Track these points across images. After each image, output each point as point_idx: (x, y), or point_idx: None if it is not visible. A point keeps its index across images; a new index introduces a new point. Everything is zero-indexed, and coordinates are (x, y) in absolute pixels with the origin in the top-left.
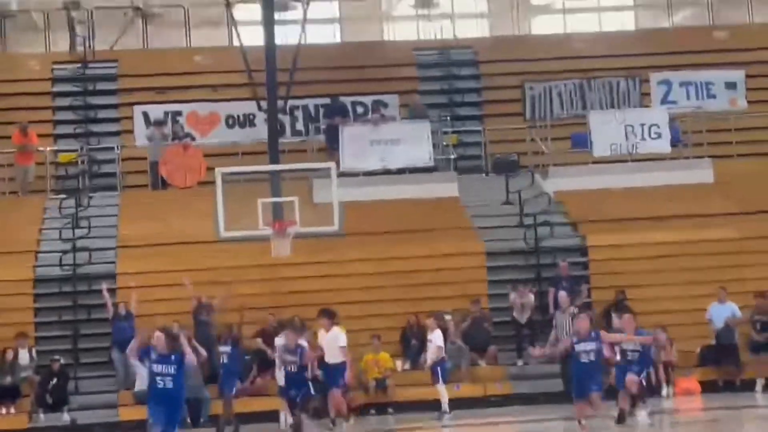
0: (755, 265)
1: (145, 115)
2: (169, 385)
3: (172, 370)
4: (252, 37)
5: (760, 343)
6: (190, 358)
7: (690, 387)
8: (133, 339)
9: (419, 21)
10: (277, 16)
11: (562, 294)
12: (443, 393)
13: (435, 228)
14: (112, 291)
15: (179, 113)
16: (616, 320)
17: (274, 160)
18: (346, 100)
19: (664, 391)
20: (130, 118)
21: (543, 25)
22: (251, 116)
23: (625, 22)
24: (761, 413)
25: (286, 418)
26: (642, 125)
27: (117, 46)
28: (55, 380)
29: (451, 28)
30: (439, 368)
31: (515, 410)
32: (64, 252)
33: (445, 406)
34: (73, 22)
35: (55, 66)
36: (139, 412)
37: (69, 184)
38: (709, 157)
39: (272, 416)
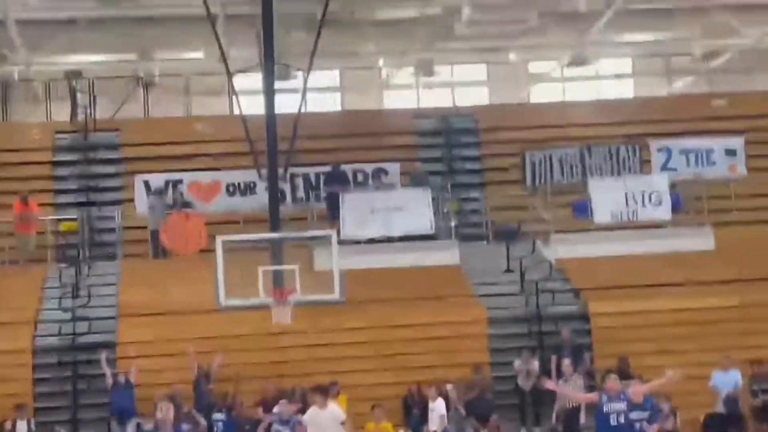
0: (757, 333)
1: (146, 183)
2: None
3: None
4: (253, 105)
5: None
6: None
7: None
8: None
9: (419, 89)
10: (278, 85)
11: (566, 362)
12: None
13: (436, 296)
14: (111, 360)
15: (180, 181)
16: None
17: (275, 228)
18: (347, 168)
19: None
20: (131, 186)
21: (542, 94)
22: (252, 184)
23: (624, 90)
24: None
25: None
26: (642, 192)
27: (118, 114)
28: None
29: (451, 96)
30: None
31: None
32: (64, 321)
33: None
34: (74, 91)
35: (56, 135)
36: None
37: (69, 252)
38: (710, 224)
39: None
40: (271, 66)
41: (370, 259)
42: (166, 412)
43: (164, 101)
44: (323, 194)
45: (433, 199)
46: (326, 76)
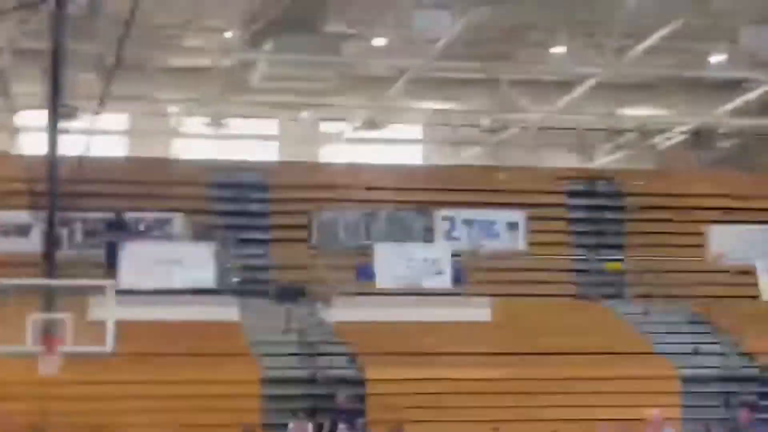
0: (529, 406)
1: None
2: None
3: None
4: (36, 144)
5: None
6: None
7: None
8: None
9: (210, 140)
10: (63, 125)
11: (341, 427)
12: None
13: (213, 352)
14: None
15: None
16: None
17: (50, 274)
18: (129, 216)
19: None
20: None
21: (333, 154)
22: (27, 226)
23: (413, 156)
24: None
25: None
26: (425, 260)
27: None
28: None
29: (242, 150)
30: None
31: None
32: None
33: None
34: None
35: None
36: None
37: None
38: (488, 296)
39: None
40: (56, 105)
41: (149, 310)
42: None
43: None
44: (103, 242)
45: (216, 253)
46: (115, 120)
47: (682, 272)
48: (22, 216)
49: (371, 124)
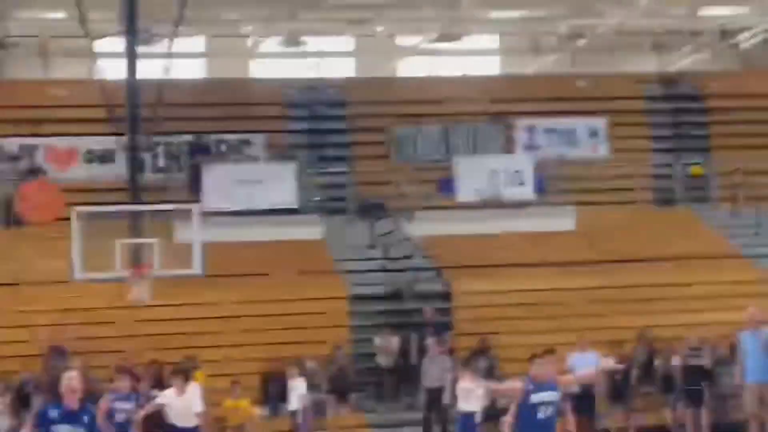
0: (615, 314)
1: None
2: None
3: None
4: (114, 70)
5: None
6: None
7: None
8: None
9: (286, 59)
10: (140, 50)
11: (431, 341)
12: None
13: (299, 271)
14: None
15: (35, 147)
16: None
17: (135, 199)
18: (210, 139)
19: None
20: None
21: (410, 67)
22: (111, 152)
23: (490, 66)
24: None
25: None
26: (506, 171)
27: None
28: None
29: (318, 67)
30: (302, 415)
31: None
32: None
33: None
34: None
35: None
36: None
37: None
38: (573, 204)
39: None
40: (133, 30)
41: (233, 232)
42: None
43: (21, 63)
44: (186, 165)
45: (297, 172)
46: (191, 43)
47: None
48: (106, 142)
49: (447, 36)
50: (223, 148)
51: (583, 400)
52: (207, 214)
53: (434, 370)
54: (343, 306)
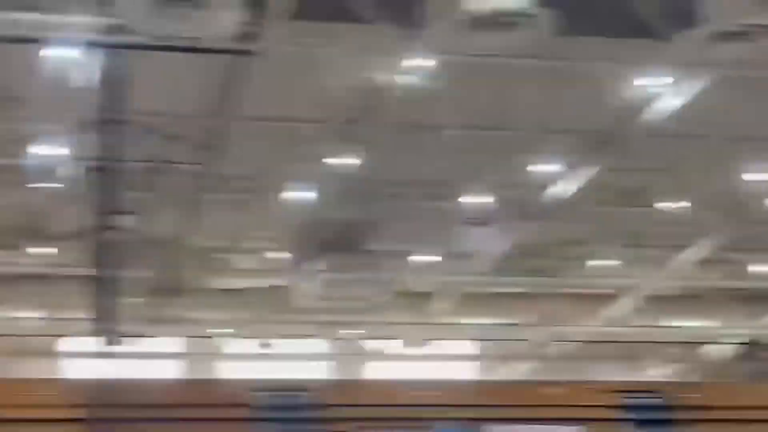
0: None
1: None
2: None
3: None
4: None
5: None
6: None
7: None
8: None
9: (256, 361)
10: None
11: None
12: None
13: None
14: None
15: None
16: None
17: None
18: None
19: None
20: None
21: (379, 371)
22: None
23: (463, 372)
24: None
25: None
26: None
27: None
28: None
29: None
30: None
31: None
32: None
33: None
34: None
35: None
36: None
37: None
38: None
39: None
40: (105, 331)
41: None
42: None
43: None
44: None
45: None
46: (161, 343)
47: None
48: None
49: (418, 341)
50: None
51: None
52: None
53: None
54: None
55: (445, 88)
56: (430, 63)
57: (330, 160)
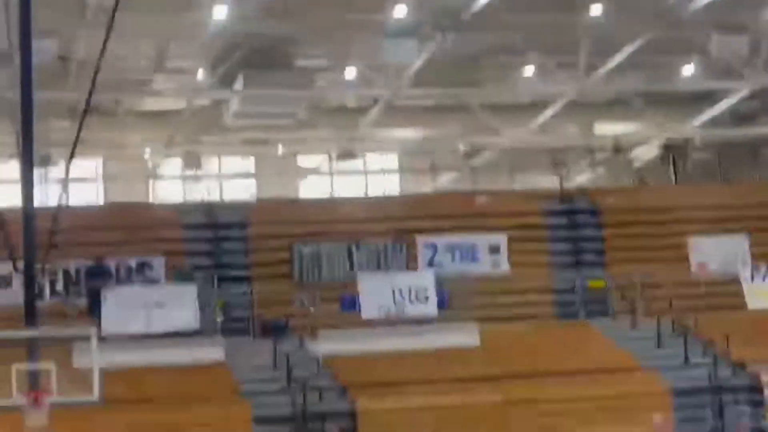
0: (519, 430)
1: None
2: None
3: None
4: (10, 195)
5: None
6: None
7: None
8: None
9: (186, 182)
10: (37, 174)
11: None
12: None
13: (200, 394)
14: None
15: None
16: None
17: (31, 325)
18: (111, 262)
19: None
20: None
21: (311, 187)
22: (8, 277)
23: (391, 185)
24: None
25: None
26: (409, 288)
27: None
28: None
29: (218, 190)
30: None
31: None
32: None
33: None
34: None
35: None
36: None
37: None
38: (476, 320)
39: None
40: (29, 155)
41: (134, 355)
42: None
43: None
44: (84, 289)
45: (198, 294)
46: (89, 166)
47: (665, 286)
48: (2, 267)
49: (347, 155)
50: (123, 271)
51: None
52: (106, 339)
53: None
54: (247, 428)
55: None
56: None
57: None
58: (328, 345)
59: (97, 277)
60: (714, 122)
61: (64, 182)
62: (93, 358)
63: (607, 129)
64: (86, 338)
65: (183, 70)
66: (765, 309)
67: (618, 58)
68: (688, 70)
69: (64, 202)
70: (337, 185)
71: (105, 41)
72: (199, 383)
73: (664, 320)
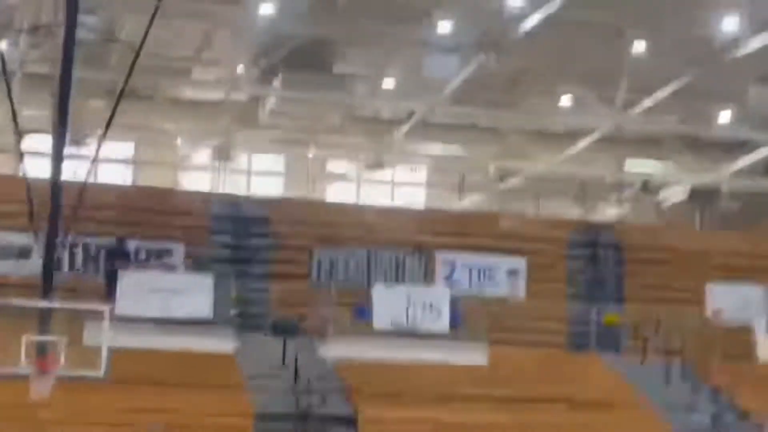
0: None
1: None
2: None
3: None
4: (42, 169)
5: None
6: None
7: None
8: None
9: (215, 173)
10: (69, 151)
11: None
12: None
13: (206, 383)
14: None
15: None
16: None
17: (46, 296)
18: (131, 244)
19: None
20: None
21: (337, 192)
22: (28, 248)
23: (416, 198)
24: None
25: None
26: (423, 303)
27: None
28: None
29: (247, 183)
30: None
31: None
32: None
33: None
34: None
35: None
36: None
37: None
38: (487, 341)
39: None
40: (62, 130)
41: (144, 339)
42: None
43: None
44: (103, 268)
45: (215, 285)
46: (121, 148)
47: (679, 327)
48: (24, 238)
49: (376, 164)
50: (143, 255)
51: None
52: (119, 319)
53: None
54: (248, 423)
55: None
56: None
57: None
58: (338, 349)
59: (117, 257)
60: (744, 171)
61: (94, 160)
62: (103, 335)
63: (638, 166)
64: (99, 317)
65: (223, 62)
66: None
67: (657, 97)
68: (724, 116)
69: (92, 179)
70: (363, 193)
71: (149, 25)
72: (205, 373)
73: (675, 361)
